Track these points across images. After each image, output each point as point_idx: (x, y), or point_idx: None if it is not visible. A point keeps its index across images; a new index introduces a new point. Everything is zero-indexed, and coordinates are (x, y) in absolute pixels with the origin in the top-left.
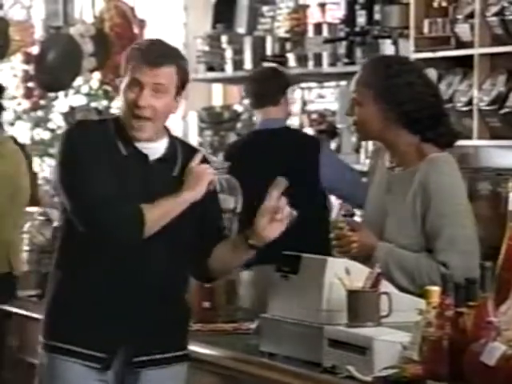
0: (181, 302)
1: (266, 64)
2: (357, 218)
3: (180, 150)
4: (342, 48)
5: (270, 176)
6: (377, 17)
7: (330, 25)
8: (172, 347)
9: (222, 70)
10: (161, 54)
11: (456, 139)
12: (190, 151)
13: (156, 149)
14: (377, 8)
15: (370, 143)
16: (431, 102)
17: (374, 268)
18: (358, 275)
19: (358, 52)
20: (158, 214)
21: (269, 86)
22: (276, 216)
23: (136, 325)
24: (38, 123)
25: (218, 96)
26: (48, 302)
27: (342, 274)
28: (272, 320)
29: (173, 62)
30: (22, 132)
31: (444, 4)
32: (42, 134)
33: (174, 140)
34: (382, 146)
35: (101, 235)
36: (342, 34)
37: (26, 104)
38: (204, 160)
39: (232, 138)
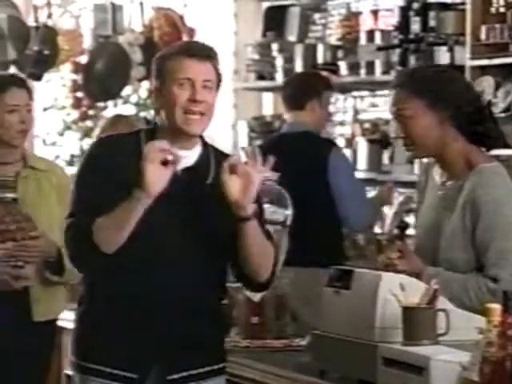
0: (214, 314)
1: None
2: (412, 230)
3: (213, 157)
4: (395, 56)
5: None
6: (432, 23)
7: (382, 32)
8: (207, 362)
9: (273, 78)
10: (200, 48)
11: (501, 139)
12: (224, 158)
13: (188, 157)
14: (432, 14)
15: None
16: (483, 103)
17: (430, 284)
18: (414, 291)
19: (412, 60)
20: (107, 226)
21: (295, 89)
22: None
23: (167, 342)
24: (87, 133)
25: (268, 105)
26: (76, 320)
27: (396, 290)
28: (324, 337)
29: (213, 58)
30: (71, 142)
31: (502, 9)
32: None
33: (207, 148)
34: (431, 163)
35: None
36: (395, 42)
37: (75, 114)
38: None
39: None
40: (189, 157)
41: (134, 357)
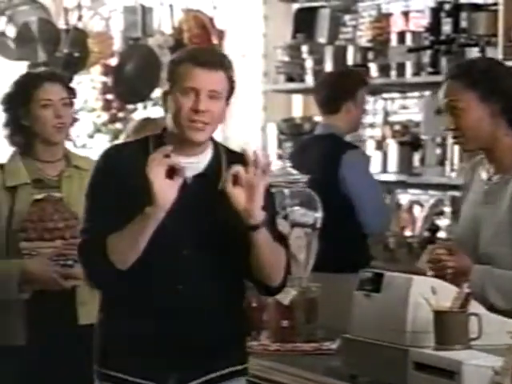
0: (232, 318)
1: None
2: (442, 233)
3: (225, 161)
4: (426, 57)
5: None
6: (463, 24)
7: (413, 33)
8: (225, 365)
9: (302, 80)
10: (211, 57)
11: None
12: (238, 160)
13: (197, 163)
14: (463, 15)
15: (456, 156)
16: None
17: (462, 288)
18: (445, 295)
19: (443, 61)
20: (121, 243)
21: (328, 92)
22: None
23: (184, 350)
24: (117, 136)
25: (298, 107)
26: (97, 326)
27: (427, 294)
28: (354, 341)
29: (224, 67)
30: (101, 145)
31: None
32: None
33: (218, 150)
34: (478, 161)
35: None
36: (426, 43)
37: (105, 116)
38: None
39: None
40: (198, 162)
41: (152, 365)
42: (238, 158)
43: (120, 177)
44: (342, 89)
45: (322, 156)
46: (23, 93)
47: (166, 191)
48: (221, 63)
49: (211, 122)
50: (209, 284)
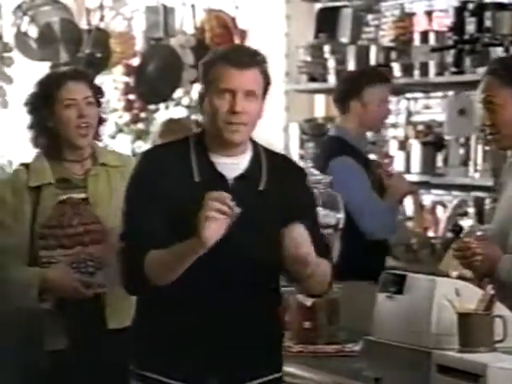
0: (270, 324)
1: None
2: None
3: (265, 160)
4: (449, 57)
5: None
6: (487, 23)
7: (437, 33)
8: (261, 372)
9: (325, 80)
10: (244, 55)
11: None
12: (277, 160)
13: (238, 164)
14: (487, 14)
15: (480, 156)
16: None
17: (486, 290)
18: (469, 297)
19: (467, 61)
20: (160, 267)
21: (338, 92)
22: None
23: (222, 355)
24: (139, 136)
25: (320, 107)
26: (133, 328)
27: (451, 296)
28: (376, 343)
29: (259, 64)
30: (123, 145)
31: None
32: (144, 147)
33: (258, 151)
34: None
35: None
36: (450, 42)
37: (127, 117)
38: (289, 163)
39: None
40: (238, 164)
41: (190, 368)
42: (278, 158)
43: (160, 179)
44: (347, 88)
45: (317, 160)
46: (47, 93)
47: (212, 230)
48: (254, 60)
49: (249, 122)
50: (249, 285)
